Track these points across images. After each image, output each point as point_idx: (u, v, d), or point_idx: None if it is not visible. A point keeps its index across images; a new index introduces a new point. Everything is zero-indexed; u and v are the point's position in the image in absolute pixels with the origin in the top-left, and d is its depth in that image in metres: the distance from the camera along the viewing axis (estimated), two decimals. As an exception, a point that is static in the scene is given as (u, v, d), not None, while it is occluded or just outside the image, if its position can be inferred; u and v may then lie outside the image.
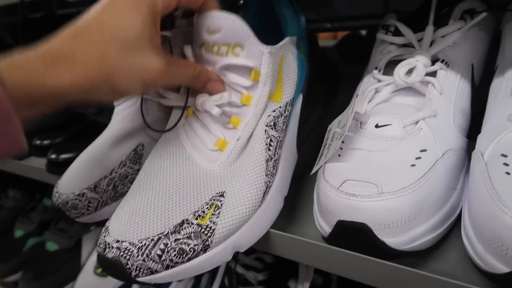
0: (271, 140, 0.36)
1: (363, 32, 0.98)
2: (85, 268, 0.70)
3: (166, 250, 0.30)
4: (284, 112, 0.38)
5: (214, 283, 0.57)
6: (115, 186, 0.42)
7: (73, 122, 0.65)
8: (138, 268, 0.29)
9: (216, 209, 0.32)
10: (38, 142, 0.64)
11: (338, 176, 0.32)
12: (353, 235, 0.30)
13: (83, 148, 0.56)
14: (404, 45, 0.39)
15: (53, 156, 0.56)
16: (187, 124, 0.38)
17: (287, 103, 0.39)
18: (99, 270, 0.68)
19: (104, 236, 0.32)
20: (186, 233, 0.30)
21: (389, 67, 0.39)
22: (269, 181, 0.35)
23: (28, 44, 0.27)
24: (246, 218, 0.33)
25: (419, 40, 0.37)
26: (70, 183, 0.43)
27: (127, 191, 0.40)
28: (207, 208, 0.32)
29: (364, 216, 0.29)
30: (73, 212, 0.42)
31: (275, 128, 0.37)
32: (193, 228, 0.30)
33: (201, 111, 0.37)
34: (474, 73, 0.37)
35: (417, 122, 0.33)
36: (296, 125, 0.41)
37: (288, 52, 0.38)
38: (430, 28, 0.36)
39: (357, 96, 0.37)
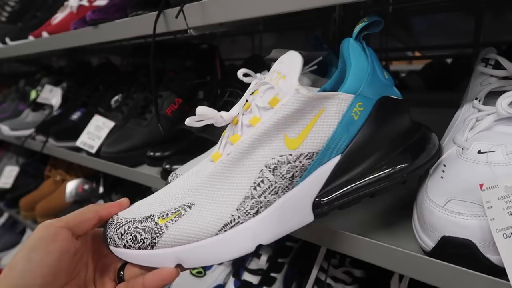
0: (262, 181, 0.35)
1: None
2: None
3: (127, 232, 0.35)
4: (294, 161, 0.35)
5: (304, 291, 0.61)
6: None
7: (181, 137, 0.74)
8: (110, 237, 0.36)
9: (177, 216, 0.35)
10: (151, 153, 0.73)
11: (443, 196, 0.36)
12: (458, 250, 0.33)
13: (191, 159, 0.65)
14: (505, 78, 0.42)
15: (168, 166, 0.64)
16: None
17: (301, 155, 0.35)
18: (195, 270, 0.75)
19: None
20: (144, 226, 0.35)
21: (489, 98, 0.42)
22: (239, 217, 0.35)
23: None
24: (195, 238, 0.34)
25: (521, 74, 0.40)
26: (188, 167, 0.50)
27: None
28: (172, 212, 0.35)
29: (469, 233, 0.33)
30: None
31: (273, 172, 0.35)
32: (151, 223, 0.35)
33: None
34: None
35: (520, 150, 0.36)
36: (318, 185, 0.37)
37: (332, 107, 0.36)
38: (534, 63, 0.39)
39: None
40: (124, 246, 0.35)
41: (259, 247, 0.36)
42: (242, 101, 0.38)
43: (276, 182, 0.35)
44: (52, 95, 1.14)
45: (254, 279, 0.69)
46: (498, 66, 0.42)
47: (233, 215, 0.34)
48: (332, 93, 0.36)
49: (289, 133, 0.35)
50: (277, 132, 0.35)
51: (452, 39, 0.83)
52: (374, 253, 0.40)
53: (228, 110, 0.72)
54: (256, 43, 1.21)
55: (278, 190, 0.35)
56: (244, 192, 0.35)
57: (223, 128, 0.69)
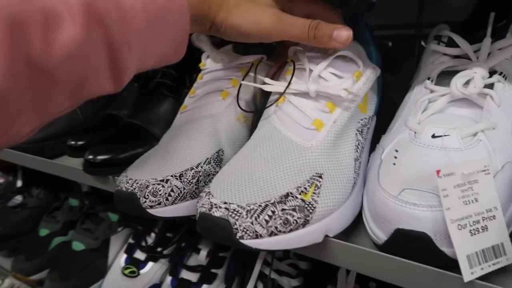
0: (358, 144, 0.40)
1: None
2: (112, 268, 0.70)
3: (273, 217, 0.32)
4: (367, 124, 0.41)
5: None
6: (198, 181, 0.41)
7: (107, 124, 0.65)
8: (245, 230, 0.31)
9: (316, 188, 0.34)
10: (72, 142, 0.64)
11: (396, 185, 0.32)
12: (412, 243, 0.31)
13: (119, 150, 0.57)
14: (458, 57, 0.39)
15: (91, 156, 0.56)
16: (279, 110, 0.40)
17: (370, 117, 0.42)
18: (127, 270, 0.68)
19: (208, 198, 0.33)
20: (292, 205, 0.32)
21: (441, 78, 0.39)
22: (356, 178, 0.38)
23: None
24: (339, 204, 0.35)
25: (475, 52, 0.37)
26: (149, 170, 0.42)
27: None
28: (308, 185, 0.34)
29: (424, 225, 0.30)
30: (150, 200, 0.40)
31: (361, 135, 0.40)
32: (297, 202, 0.33)
33: (295, 97, 0.39)
34: (531, 86, 0.37)
35: (475, 134, 0.34)
36: (369, 145, 0.43)
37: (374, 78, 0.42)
38: (488, 40, 0.37)
39: None
40: (271, 234, 0.32)
41: None
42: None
43: (364, 144, 0.41)
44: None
45: (193, 277, 0.64)
46: (451, 43, 0.40)
47: (354, 178, 0.38)
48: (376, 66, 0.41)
49: (359, 100, 0.40)
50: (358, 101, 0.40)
51: (393, 20, 0.81)
52: (320, 248, 0.36)
53: (159, 92, 0.65)
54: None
55: (363, 150, 0.41)
56: (353, 155, 0.39)
57: (156, 114, 0.62)
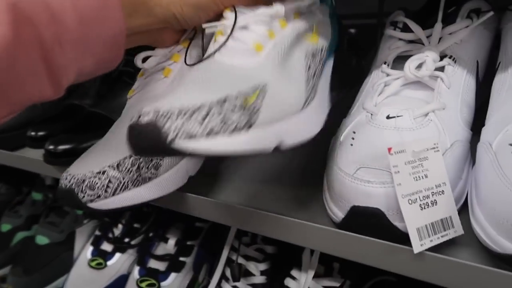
0: (309, 66, 0.37)
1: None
2: (79, 261, 0.69)
3: (209, 116, 0.28)
4: (320, 54, 0.39)
5: (215, 274, 0.57)
6: (140, 168, 0.40)
7: (69, 113, 0.64)
8: (176, 131, 0.27)
9: (260, 93, 0.31)
10: (32, 133, 0.62)
11: (352, 164, 0.33)
12: (367, 219, 0.32)
13: (82, 139, 0.56)
14: (412, 41, 0.41)
15: (51, 146, 0.55)
16: (217, 44, 0.37)
17: (322, 48, 0.40)
18: (94, 262, 0.67)
19: (139, 112, 0.29)
20: (231, 106, 0.29)
21: (397, 62, 0.41)
22: (308, 97, 0.35)
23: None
24: (289, 111, 0.33)
25: (428, 37, 0.39)
26: (88, 163, 0.40)
27: (150, 177, 0.40)
28: (252, 91, 0.31)
29: (378, 202, 0.31)
30: (88, 194, 0.38)
31: (313, 59, 0.38)
32: (238, 102, 0.29)
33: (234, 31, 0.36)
34: (478, 69, 0.39)
35: (426, 114, 0.35)
36: (326, 85, 0.40)
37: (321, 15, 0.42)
38: (439, 25, 0.38)
39: None
40: (208, 134, 0.27)
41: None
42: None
43: (316, 69, 0.38)
44: None
45: (161, 266, 0.63)
46: (406, 29, 0.41)
47: (306, 95, 0.35)
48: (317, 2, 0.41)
49: (306, 29, 0.39)
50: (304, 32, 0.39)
51: (355, 9, 0.83)
52: (282, 229, 0.37)
53: (122, 80, 0.64)
54: None
55: (317, 78, 0.38)
56: (304, 74, 0.36)
57: (119, 103, 0.61)
